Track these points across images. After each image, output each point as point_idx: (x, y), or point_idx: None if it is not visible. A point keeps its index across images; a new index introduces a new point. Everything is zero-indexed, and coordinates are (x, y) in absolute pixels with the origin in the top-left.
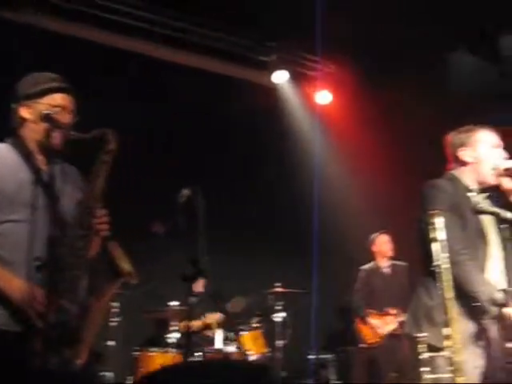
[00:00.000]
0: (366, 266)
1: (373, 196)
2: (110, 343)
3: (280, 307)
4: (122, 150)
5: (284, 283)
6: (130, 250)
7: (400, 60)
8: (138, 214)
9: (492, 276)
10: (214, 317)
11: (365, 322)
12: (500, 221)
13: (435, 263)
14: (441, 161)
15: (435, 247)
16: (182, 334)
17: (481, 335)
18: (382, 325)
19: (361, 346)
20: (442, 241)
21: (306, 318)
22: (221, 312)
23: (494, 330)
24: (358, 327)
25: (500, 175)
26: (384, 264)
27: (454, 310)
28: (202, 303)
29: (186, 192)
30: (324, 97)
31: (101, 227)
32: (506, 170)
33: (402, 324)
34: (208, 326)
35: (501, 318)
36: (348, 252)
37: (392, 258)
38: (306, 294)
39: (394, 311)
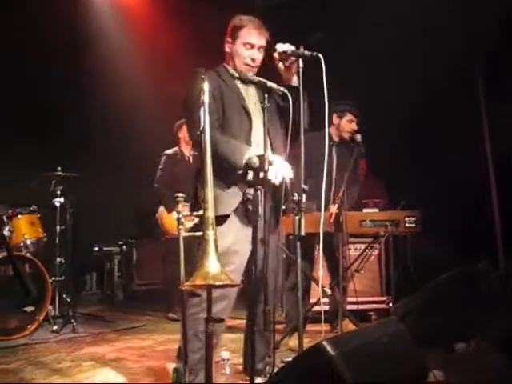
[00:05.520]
0: (169, 151)
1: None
2: None
3: (60, 192)
4: None
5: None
6: None
7: None
8: None
9: (256, 149)
10: None
11: (169, 211)
12: (266, 91)
13: (198, 131)
14: None
15: (201, 111)
16: None
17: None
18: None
19: (165, 237)
20: (206, 103)
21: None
22: None
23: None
24: (161, 217)
25: (278, 59)
26: (187, 151)
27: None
28: None
29: None
30: None
31: None
32: (282, 53)
33: None
34: None
35: (265, 186)
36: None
37: None
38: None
39: None
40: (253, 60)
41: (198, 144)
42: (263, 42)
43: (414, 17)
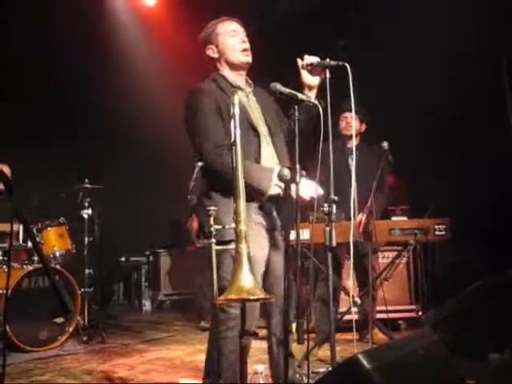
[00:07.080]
0: (201, 164)
1: None
2: None
3: (87, 204)
4: None
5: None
6: None
7: None
8: None
9: (268, 164)
10: None
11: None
12: (296, 103)
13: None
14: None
15: (232, 124)
16: None
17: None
18: None
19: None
20: (236, 115)
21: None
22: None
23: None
24: (192, 226)
25: (303, 68)
26: None
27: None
28: None
29: None
30: None
31: None
32: (308, 65)
33: None
34: None
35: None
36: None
37: None
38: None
39: None
40: (245, 42)
41: (215, 154)
42: (242, 29)
43: (446, 17)
